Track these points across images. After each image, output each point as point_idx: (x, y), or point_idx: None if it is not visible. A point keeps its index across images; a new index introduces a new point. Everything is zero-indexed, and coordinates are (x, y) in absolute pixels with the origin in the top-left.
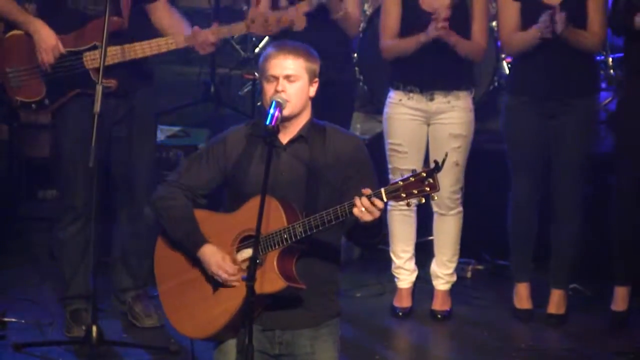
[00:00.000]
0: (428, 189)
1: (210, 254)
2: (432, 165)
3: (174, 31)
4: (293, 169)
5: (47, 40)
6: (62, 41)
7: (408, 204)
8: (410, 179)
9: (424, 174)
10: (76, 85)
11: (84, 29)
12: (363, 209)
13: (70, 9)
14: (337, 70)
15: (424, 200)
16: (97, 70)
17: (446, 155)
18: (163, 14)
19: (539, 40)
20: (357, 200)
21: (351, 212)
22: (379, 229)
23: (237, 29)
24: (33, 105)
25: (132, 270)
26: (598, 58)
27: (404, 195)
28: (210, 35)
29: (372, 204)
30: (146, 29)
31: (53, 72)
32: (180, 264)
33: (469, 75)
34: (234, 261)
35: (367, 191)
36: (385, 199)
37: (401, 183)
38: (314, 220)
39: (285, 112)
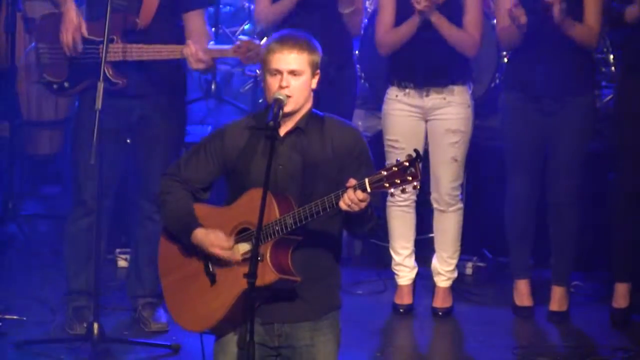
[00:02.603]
0: (410, 178)
1: (203, 236)
2: (414, 154)
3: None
4: (291, 161)
5: (71, 21)
6: (88, 27)
7: (392, 194)
8: (393, 168)
9: (406, 163)
10: (92, 75)
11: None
12: (349, 202)
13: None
14: (338, 67)
15: (407, 190)
16: (109, 63)
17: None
18: (193, 26)
19: (520, 28)
20: (342, 194)
21: (337, 204)
22: (370, 216)
23: (226, 52)
24: (55, 86)
25: (142, 276)
26: (599, 55)
27: (387, 185)
28: (200, 52)
29: (357, 196)
30: (172, 36)
31: (73, 56)
32: (180, 258)
33: (464, 70)
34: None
35: (352, 182)
36: (369, 189)
37: (384, 173)
38: (302, 212)
39: (288, 109)
